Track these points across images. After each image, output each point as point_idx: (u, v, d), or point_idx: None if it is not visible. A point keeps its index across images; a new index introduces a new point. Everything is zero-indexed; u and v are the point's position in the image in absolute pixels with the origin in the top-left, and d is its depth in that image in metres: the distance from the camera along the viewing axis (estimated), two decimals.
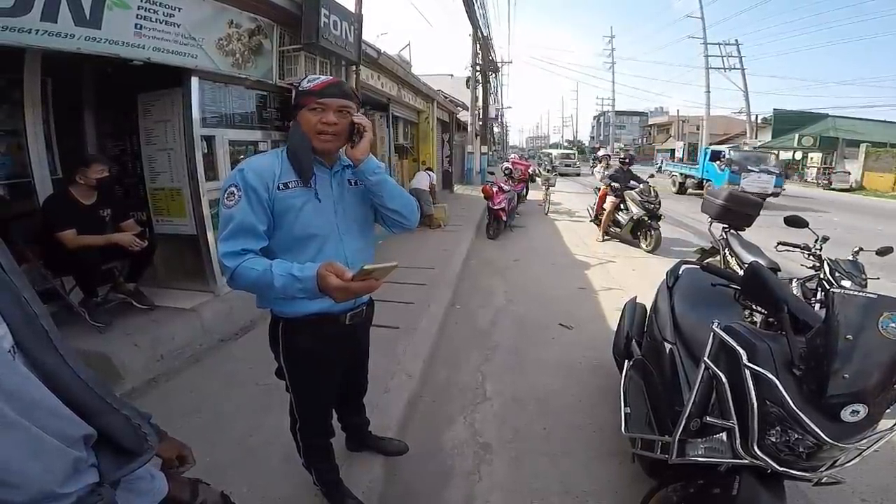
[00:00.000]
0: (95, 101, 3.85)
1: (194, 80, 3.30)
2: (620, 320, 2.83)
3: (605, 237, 7.60)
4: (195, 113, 3.35)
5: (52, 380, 0.69)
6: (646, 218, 6.77)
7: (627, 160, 7.78)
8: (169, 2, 2.92)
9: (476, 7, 15.36)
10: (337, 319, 1.54)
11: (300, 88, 1.42)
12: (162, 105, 3.49)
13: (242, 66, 3.68)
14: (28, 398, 0.64)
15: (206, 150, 3.52)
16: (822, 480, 1.32)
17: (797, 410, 1.15)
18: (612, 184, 7.37)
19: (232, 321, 3.58)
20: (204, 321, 3.34)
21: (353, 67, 5.18)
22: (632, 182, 7.30)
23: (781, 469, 1.22)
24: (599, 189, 8.17)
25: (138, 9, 2.75)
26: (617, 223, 7.42)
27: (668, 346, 1.95)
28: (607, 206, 7.49)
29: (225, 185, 1.39)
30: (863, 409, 1.13)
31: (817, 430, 1.13)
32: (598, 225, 7.94)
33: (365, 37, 5.26)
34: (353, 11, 4.93)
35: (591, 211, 8.56)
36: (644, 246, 6.88)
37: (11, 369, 0.64)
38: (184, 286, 3.68)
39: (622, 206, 7.34)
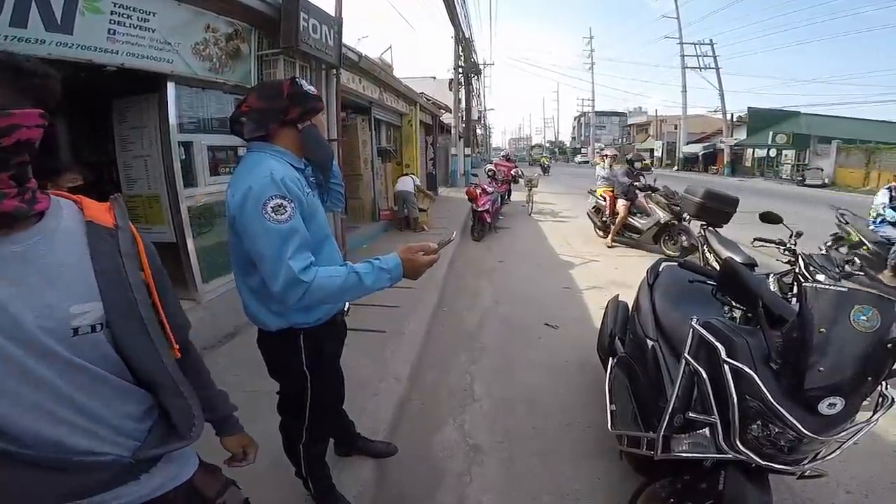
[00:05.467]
0: (69, 107, 3.74)
1: (170, 86, 3.24)
2: (604, 319, 2.86)
3: (615, 243, 7.06)
4: (172, 118, 3.28)
5: (135, 358, 0.80)
6: (675, 222, 6.12)
7: (635, 160, 7.16)
8: (143, 7, 2.85)
9: (458, 9, 15.41)
10: (340, 316, 1.68)
11: (309, 92, 1.40)
12: (138, 111, 3.41)
13: (220, 70, 3.62)
14: (79, 366, 0.73)
15: (183, 157, 3.45)
16: (806, 473, 1.35)
17: (776, 404, 1.17)
18: (633, 184, 6.79)
19: (215, 329, 3.51)
20: None
21: (334, 71, 5.15)
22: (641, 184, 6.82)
23: (764, 463, 1.24)
24: (595, 191, 7.61)
25: (111, 14, 2.68)
26: (633, 228, 6.77)
27: (650, 343, 1.98)
28: (620, 210, 6.83)
29: (261, 196, 1.22)
30: (840, 402, 1.15)
31: (796, 423, 1.15)
32: (599, 229, 7.46)
33: (346, 40, 5.23)
34: (333, 15, 4.90)
35: (592, 217, 7.78)
36: (670, 251, 6.20)
37: (84, 344, 0.74)
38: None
39: (632, 209, 6.83)
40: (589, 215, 7.95)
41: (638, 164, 7.09)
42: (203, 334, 3.38)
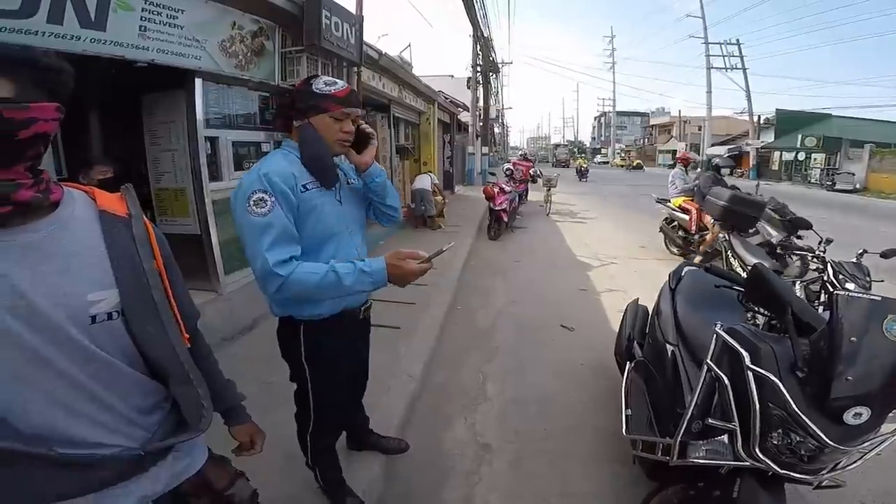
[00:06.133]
0: (100, 102, 3.86)
1: (198, 82, 3.31)
2: (622, 322, 2.82)
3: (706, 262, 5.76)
4: (199, 114, 3.35)
5: (147, 345, 0.81)
6: (794, 239, 4.18)
7: (723, 166, 6.00)
8: (172, 4, 2.92)
9: (476, 8, 15.37)
10: (355, 314, 1.62)
11: (317, 91, 1.38)
12: (166, 106, 3.50)
13: (245, 67, 3.69)
14: (94, 356, 0.74)
15: (209, 151, 3.52)
16: (823, 484, 1.32)
17: (800, 413, 1.15)
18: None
19: (234, 320, 3.58)
20: (206, 320, 3.30)
21: (355, 69, 5.19)
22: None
23: (782, 472, 1.22)
24: (669, 201, 6.42)
25: (142, 11, 2.76)
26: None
27: (670, 347, 1.95)
28: (710, 225, 5.49)
29: (247, 191, 1.29)
30: (866, 412, 1.12)
31: (820, 432, 1.13)
32: (676, 246, 6.40)
33: (366, 38, 5.27)
34: (354, 13, 4.93)
35: (667, 231, 6.50)
36: (787, 276, 4.43)
37: (101, 332, 0.75)
38: (187, 286, 3.67)
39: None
40: (662, 230, 6.59)
41: (726, 171, 5.86)
42: (222, 326, 3.45)
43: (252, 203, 1.27)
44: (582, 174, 23.34)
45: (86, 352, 0.72)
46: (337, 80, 1.42)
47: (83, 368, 0.72)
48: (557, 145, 61.45)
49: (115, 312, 0.76)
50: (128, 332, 0.78)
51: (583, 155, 32.59)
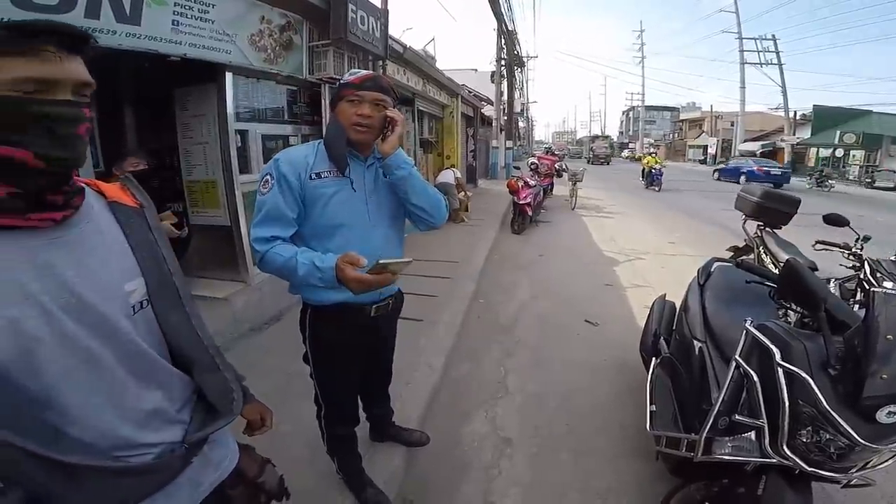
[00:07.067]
0: (134, 96, 4.00)
1: (228, 76, 3.38)
2: (649, 318, 2.78)
3: None
4: (229, 107, 3.42)
5: (173, 333, 0.81)
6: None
7: None
8: None
9: (500, 1, 15.19)
10: (361, 310, 1.55)
11: (341, 81, 1.47)
12: (197, 100, 3.59)
13: (274, 61, 3.75)
14: (138, 349, 0.74)
15: (239, 144, 3.61)
16: (852, 482, 1.30)
17: (831, 411, 1.13)
18: None
19: (261, 311, 3.67)
20: (235, 310, 3.44)
21: (380, 62, 5.22)
22: None
23: (810, 470, 1.21)
24: None
25: (175, 5, 2.83)
26: None
27: (697, 344, 1.93)
28: None
29: (262, 173, 1.44)
30: None
31: (851, 431, 1.11)
32: None
33: (391, 32, 5.29)
34: (380, 7, 4.96)
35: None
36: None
37: (140, 322, 0.75)
38: (217, 276, 3.78)
39: None
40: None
41: None
42: (250, 316, 3.55)
43: (261, 184, 1.42)
44: (653, 179, 15.12)
45: (130, 345, 0.72)
46: (359, 70, 1.49)
47: (127, 363, 0.72)
48: (595, 138, 49.20)
49: (146, 301, 0.76)
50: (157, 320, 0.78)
51: (654, 153, 19.96)
